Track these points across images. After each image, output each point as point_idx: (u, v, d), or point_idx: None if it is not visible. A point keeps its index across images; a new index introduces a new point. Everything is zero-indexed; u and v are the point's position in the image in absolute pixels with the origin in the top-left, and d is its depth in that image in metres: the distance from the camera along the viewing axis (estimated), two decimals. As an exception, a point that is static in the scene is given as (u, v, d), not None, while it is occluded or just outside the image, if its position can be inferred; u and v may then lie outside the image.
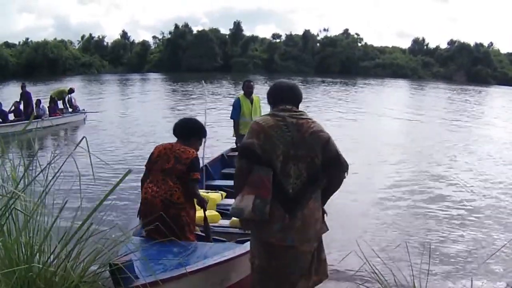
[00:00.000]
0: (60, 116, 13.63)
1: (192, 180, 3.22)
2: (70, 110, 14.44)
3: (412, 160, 9.56)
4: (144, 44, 59.98)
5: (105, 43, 57.75)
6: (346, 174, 2.61)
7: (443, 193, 7.04)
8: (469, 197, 6.88)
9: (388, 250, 4.32)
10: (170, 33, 58.58)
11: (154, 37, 62.81)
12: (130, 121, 14.71)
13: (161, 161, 3.25)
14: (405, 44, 79.96)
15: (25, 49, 47.52)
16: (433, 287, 3.68)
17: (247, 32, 60.58)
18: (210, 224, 3.59)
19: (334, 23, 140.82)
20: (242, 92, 6.58)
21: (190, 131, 3.45)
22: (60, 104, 14.29)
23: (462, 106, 23.30)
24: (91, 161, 2.42)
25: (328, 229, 2.69)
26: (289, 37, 60.47)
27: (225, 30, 60.02)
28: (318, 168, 2.54)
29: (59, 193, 2.88)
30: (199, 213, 3.43)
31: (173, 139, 3.44)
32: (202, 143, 3.73)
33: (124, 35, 59.58)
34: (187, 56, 54.93)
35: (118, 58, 55.95)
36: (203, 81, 8.49)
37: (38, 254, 2.51)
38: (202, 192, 4.19)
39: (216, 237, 3.57)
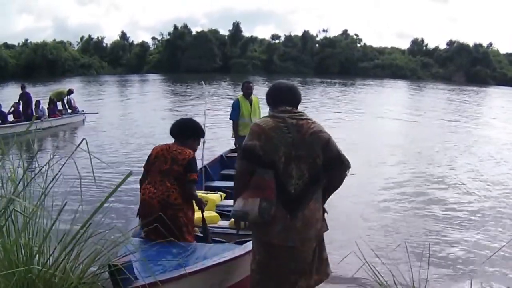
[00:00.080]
0: (59, 117, 13.59)
1: (190, 181, 3.20)
2: (69, 111, 14.39)
3: (411, 161, 9.56)
4: (143, 45, 59.86)
5: (104, 44, 57.64)
6: (347, 173, 2.61)
7: (443, 194, 7.03)
8: (469, 198, 6.87)
9: (387, 251, 4.31)
10: (169, 34, 58.45)
11: (153, 38, 62.71)
12: (129, 122, 14.70)
13: (159, 162, 3.24)
14: (404, 44, 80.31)
15: (24, 50, 47.37)
16: None
17: (246, 33, 60.56)
18: (209, 225, 3.59)
19: (333, 24, 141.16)
20: (241, 93, 6.57)
21: (187, 132, 3.42)
22: (59, 105, 14.24)
23: (461, 107, 23.29)
24: (91, 163, 2.42)
25: (328, 229, 2.70)
26: (288, 38, 60.37)
27: (224, 31, 59.90)
28: (319, 168, 2.55)
29: (59, 195, 2.88)
30: (198, 214, 3.43)
31: (172, 140, 3.43)
32: (201, 144, 3.71)
33: (123, 36, 59.49)
34: (186, 57, 54.84)
35: (117, 59, 55.82)
36: (202, 82, 8.49)
37: (37, 255, 2.51)
38: (201, 193, 4.20)
39: (215, 238, 3.57)
